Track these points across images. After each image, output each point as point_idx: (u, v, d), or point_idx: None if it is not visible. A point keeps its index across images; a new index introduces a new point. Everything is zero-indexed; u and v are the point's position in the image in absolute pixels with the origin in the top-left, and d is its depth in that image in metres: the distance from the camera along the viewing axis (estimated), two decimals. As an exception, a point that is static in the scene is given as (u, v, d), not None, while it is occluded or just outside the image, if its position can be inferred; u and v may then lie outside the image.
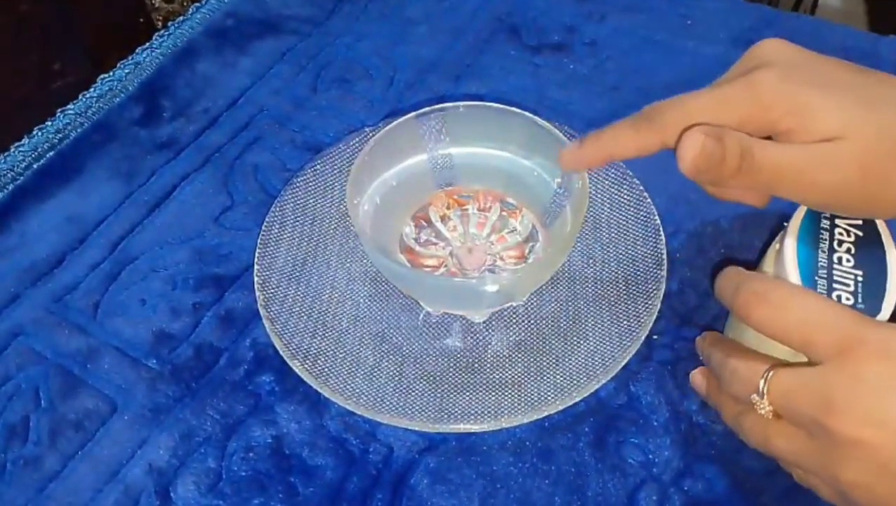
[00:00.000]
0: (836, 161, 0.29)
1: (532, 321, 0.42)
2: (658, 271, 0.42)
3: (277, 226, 0.45)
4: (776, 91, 0.30)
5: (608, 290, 0.42)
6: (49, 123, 0.53)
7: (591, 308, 0.42)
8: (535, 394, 0.38)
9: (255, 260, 0.43)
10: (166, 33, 0.60)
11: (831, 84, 0.30)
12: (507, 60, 0.57)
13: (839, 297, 0.32)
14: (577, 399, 0.38)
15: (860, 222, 0.35)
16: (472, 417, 0.37)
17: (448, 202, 0.44)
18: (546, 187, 0.42)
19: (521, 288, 0.40)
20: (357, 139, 0.48)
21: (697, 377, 0.36)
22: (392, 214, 0.43)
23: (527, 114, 0.41)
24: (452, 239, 0.43)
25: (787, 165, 0.30)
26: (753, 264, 0.44)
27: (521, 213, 0.43)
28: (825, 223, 0.35)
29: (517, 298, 0.41)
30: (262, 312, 0.41)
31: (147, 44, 0.59)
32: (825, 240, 0.34)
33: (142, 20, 0.97)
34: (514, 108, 0.42)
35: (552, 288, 0.43)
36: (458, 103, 0.42)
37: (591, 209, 0.44)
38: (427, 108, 0.42)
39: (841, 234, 0.34)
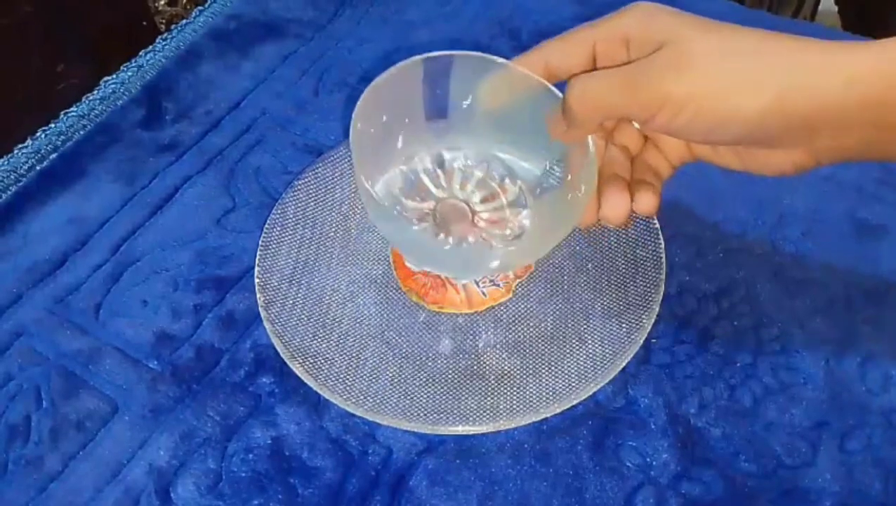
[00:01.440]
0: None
1: (531, 324, 0.42)
2: (657, 275, 0.42)
3: (279, 228, 0.45)
4: (638, 23, 0.33)
5: (607, 293, 0.42)
6: (52, 125, 0.53)
7: (590, 311, 0.42)
8: (534, 396, 0.38)
9: (257, 262, 0.43)
10: (169, 36, 0.60)
11: (686, 19, 0.32)
12: (507, 65, 0.57)
13: None
14: (576, 402, 0.38)
15: None
16: (471, 419, 0.37)
17: (435, 156, 0.43)
18: (542, 156, 0.41)
19: (522, 258, 0.40)
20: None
21: None
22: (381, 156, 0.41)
23: (532, 75, 0.39)
24: (436, 193, 0.42)
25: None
26: (753, 265, 0.44)
27: (510, 178, 0.42)
28: None
29: (512, 267, 0.42)
30: (262, 313, 0.41)
31: (150, 46, 0.59)
32: None
33: (145, 23, 0.97)
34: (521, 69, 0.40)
35: (551, 290, 0.43)
36: (467, 52, 0.40)
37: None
38: (436, 53, 0.39)
39: None
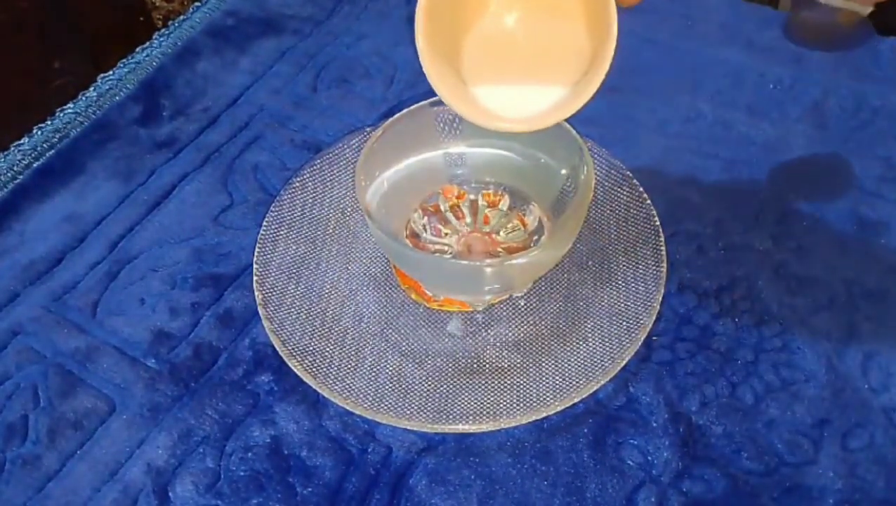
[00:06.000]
0: None
1: (531, 322, 0.42)
2: (657, 272, 0.42)
3: (277, 225, 0.45)
4: None
5: (607, 290, 0.42)
6: (49, 123, 0.53)
7: (591, 309, 0.41)
8: (534, 395, 0.38)
9: (255, 259, 0.43)
10: (166, 32, 0.60)
11: None
12: (507, 60, 0.57)
13: None
14: (576, 400, 0.38)
15: None
16: (471, 417, 0.37)
17: (458, 192, 0.45)
18: (554, 181, 0.42)
19: (520, 276, 0.40)
20: (357, 139, 0.48)
21: None
22: (400, 201, 0.43)
23: None
24: (460, 227, 0.43)
25: None
26: (754, 262, 0.44)
27: (529, 206, 0.44)
28: None
29: (517, 287, 0.41)
30: (260, 311, 0.41)
31: (147, 43, 0.59)
32: None
33: (142, 19, 0.97)
34: None
35: (551, 288, 0.43)
36: None
37: (591, 210, 0.44)
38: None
39: None
